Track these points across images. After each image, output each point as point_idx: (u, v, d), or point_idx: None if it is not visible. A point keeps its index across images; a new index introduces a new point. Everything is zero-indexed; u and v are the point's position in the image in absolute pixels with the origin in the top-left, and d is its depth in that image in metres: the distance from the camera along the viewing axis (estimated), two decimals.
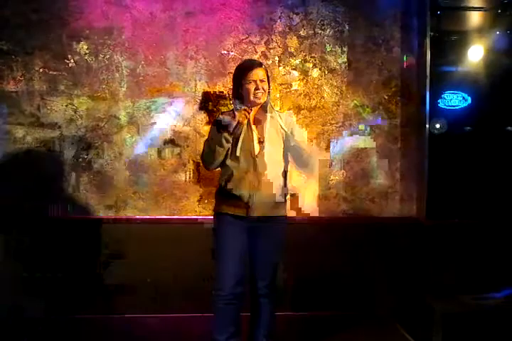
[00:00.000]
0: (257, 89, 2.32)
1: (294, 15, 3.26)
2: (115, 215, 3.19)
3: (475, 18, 3.27)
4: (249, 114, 2.31)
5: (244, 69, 2.36)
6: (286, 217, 2.46)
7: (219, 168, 2.42)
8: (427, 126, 3.19)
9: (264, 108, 2.41)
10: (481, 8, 3.25)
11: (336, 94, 3.30)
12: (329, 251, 3.21)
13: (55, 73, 3.15)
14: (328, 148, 3.30)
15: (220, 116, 2.43)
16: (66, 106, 3.17)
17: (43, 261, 3.11)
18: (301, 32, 3.27)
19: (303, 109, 3.28)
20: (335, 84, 3.30)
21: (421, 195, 3.28)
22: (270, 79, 2.45)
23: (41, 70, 3.15)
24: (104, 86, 3.17)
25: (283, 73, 3.27)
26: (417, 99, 3.30)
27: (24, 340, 2.79)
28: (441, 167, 3.21)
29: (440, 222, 3.22)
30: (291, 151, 2.38)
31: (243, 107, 2.30)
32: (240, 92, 2.38)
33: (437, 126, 3.21)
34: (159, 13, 3.18)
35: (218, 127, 2.32)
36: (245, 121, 2.31)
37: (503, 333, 2.72)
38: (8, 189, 3.14)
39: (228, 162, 2.34)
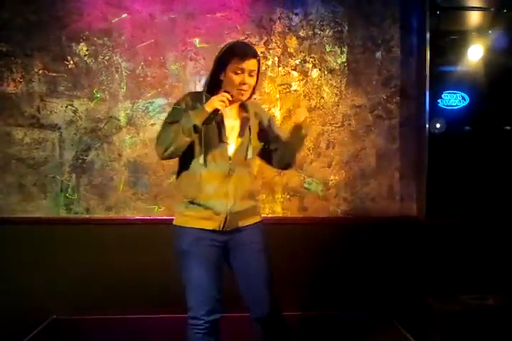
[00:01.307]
0: (242, 83, 1.93)
1: (294, 16, 3.26)
2: (115, 216, 3.19)
3: (474, 18, 3.26)
4: (229, 101, 1.91)
5: (236, 54, 1.94)
6: (261, 221, 2.16)
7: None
8: (427, 125, 3.20)
9: (243, 104, 2.06)
10: (481, 7, 3.25)
11: (336, 94, 3.30)
12: (329, 251, 3.22)
13: (54, 74, 3.16)
14: (327, 147, 3.31)
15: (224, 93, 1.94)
16: (66, 107, 3.17)
17: (43, 263, 3.12)
18: (300, 32, 3.27)
19: None
20: (334, 84, 3.30)
21: (420, 194, 3.28)
22: (260, 74, 2.07)
23: (41, 72, 3.15)
24: (103, 87, 3.18)
25: (282, 74, 3.28)
26: (417, 99, 3.31)
27: None
28: (440, 166, 3.21)
29: (440, 222, 3.23)
30: (272, 150, 2.09)
31: (227, 92, 1.92)
32: (219, 79, 1.99)
33: (437, 125, 3.21)
34: (159, 14, 3.18)
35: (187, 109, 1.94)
36: (222, 107, 1.90)
37: (502, 333, 2.73)
38: (7, 190, 3.15)
39: (195, 164, 1.98)
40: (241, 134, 2.03)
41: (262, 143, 2.11)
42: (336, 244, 3.23)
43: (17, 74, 3.14)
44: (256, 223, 2.11)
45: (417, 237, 3.26)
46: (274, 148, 2.11)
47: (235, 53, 1.95)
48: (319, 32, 3.28)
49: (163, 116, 3.16)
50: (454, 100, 3.23)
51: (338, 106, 3.30)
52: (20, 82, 3.14)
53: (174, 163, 3.19)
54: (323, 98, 3.30)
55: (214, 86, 2.02)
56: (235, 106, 2.05)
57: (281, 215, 3.29)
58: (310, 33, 3.28)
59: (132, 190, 3.20)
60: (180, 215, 2.07)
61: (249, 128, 2.05)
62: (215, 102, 1.89)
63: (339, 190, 3.32)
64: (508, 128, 3.27)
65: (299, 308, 3.18)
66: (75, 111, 3.18)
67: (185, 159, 2.01)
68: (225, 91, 1.94)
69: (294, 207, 3.30)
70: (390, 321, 3.13)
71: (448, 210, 3.23)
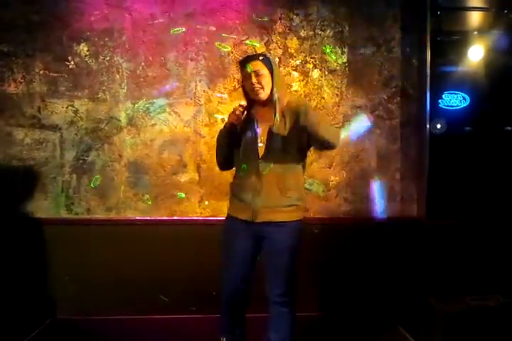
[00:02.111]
0: (252, 84, 2.14)
1: (294, 16, 3.26)
2: (116, 216, 3.19)
3: (475, 18, 3.26)
4: (242, 112, 2.15)
5: (240, 65, 2.22)
6: (299, 222, 2.22)
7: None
8: (428, 126, 3.19)
9: (271, 105, 2.17)
10: (481, 8, 3.25)
11: (336, 94, 3.30)
12: (329, 251, 3.22)
13: (55, 75, 3.16)
14: None
15: (235, 107, 2.20)
16: (66, 107, 3.18)
17: (42, 263, 3.12)
18: (301, 33, 3.27)
19: None
20: (335, 84, 3.30)
21: (421, 195, 3.28)
22: (276, 71, 2.20)
23: (42, 72, 3.15)
24: (104, 87, 3.18)
25: (283, 74, 3.26)
26: (417, 100, 3.31)
27: None
28: (441, 167, 3.21)
29: (440, 223, 3.23)
30: (309, 139, 2.15)
31: (239, 104, 2.16)
32: (243, 89, 2.26)
33: (438, 126, 3.21)
34: (159, 14, 3.18)
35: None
36: (238, 119, 2.16)
37: (504, 333, 2.72)
38: (8, 191, 3.15)
39: (236, 163, 2.26)
40: (269, 136, 2.17)
41: (297, 140, 2.16)
42: (336, 245, 3.23)
43: (18, 74, 3.15)
44: (290, 221, 2.19)
45: (417, 238, 3.26)
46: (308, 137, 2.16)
47: (240, 65, 2.23)
48: (320, 32, 3.28)
49: (164, 116, 3.19)
50: (454, 100, 3.23)
51: (338, 106, 3.30)
52: (21, 82, 3.15)
53: (175, 164, 3.22)
54: (323, 98, 3.30)
55: (245, 96, 2.27)
56: (268, 109, 2.18)
57: None
58: (311, 33, 3.28)
59: (133, 190, 3.20)
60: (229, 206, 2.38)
61: (271, 131, 2.16)
62: (229, 117, 2.19)
63: (340, 191, 3.31)
64: (509, 128, 3.27)
65: (300, 309, 3.16)
66: (75, 112, 3.18)
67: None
68: (247, 99, 2.23)
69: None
70: (391, 322, 3.13)
71: (448, 211, 3.22)
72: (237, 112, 2.14)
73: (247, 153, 2.19)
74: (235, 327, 2.32)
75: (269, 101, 2.17)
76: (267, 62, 2.17)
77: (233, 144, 2.22)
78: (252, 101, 2.22)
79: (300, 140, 2.16)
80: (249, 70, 2.14)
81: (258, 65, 2.14)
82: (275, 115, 2.13)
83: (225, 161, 2.30)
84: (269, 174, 2.15)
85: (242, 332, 2.35)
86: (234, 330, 2.32)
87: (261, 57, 2.17)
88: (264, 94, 2.16)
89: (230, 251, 2.23)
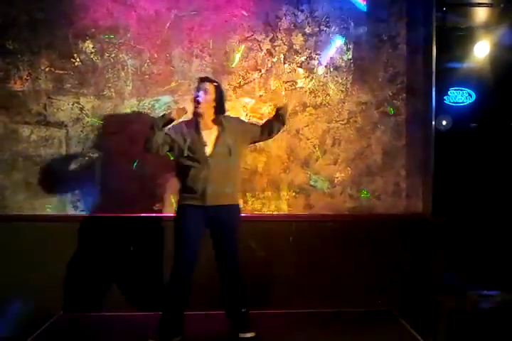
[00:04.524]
0: (197, 96, 2.66)
1: (299, 13, 3.26)
2: (122, 213, 3.20)
3: (481, 14, 3.25)
4: (182, 112, 2.62)
5: (199, 79, 2.74)
6: (238, 206, 2.79)
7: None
8: (433, 122, 3.19)
9: (214, 120, 2.70)
10: (487, 4, 3.23)
11: (342, 91, 3.30)
12: (334, 248, 3.23)
13: (61, 72, 3.17)
14: (333, 145, 3.31)
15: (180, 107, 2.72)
16: (72, 104, 3.19)
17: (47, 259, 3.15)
18: (306, 29, 3.26)
19: (308, 107, 3.28)
20: (340, 81, 3.30)
21: (427, 191, 3.28)
22: (222, 96, 2.71)
23: (47, 69, 3.16)
24: (109, 85, 3.19)
25: (288, 71, 3.27)
26: (423, 96, 3.30)
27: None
28: (447, 164, 3.21)
29: (446, 219, 3.23)
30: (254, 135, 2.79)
31: (183, 107, 2.66)
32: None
33: (443, 122, 3.20)
34: (164, 11, 3.18)
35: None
36: (178, 117, 2.61)
37: (510, 330, 2.72)
38: (13, 187, 3.17)
39: (185, 161, 2.63)
40: (216, 139, 2.67)
41: (233, 143, 2.68)
42: (341, 241, 3.24)
43: (24, 72, 3.16)
44: (232, 204, 2.72)
45: (422, 234, 3.26)
46: (260, 131, 2.79)
47: (199, 79, 2.75)
48: (325, 29, 3.28)
49: None
50: (460, 97, 3.23)
51: (343, 103, 3.30)
52: (27, 79, 3.16)
53: None
54: (328, 95, 3.29)
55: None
56: (208, 121, 2.70)
57: (286, 212, 3.29)
58: (316, 29, 3.27)
59: (140, 187, 3.20)
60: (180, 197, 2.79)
61: (218, 136, 2.68)
62: (173, 112, 2.63)
63: (345, 187, 3.32)
64: None
65: (304, 306, 3.18)
66: (81, 109, 3.19)
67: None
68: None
69: (300, 205, 3.30)
70: (396, 317, 3.13)
71: (454, 207, 3.23)
72: (181, 112, 2.61)
73: (197, 153, 2.63)
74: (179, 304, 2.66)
75: (209, 116, 2.68)
76: (218, 89, 2.70)
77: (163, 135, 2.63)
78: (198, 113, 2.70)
79: (238, 143, 2.70)
80: (201, 86, 2.67)
81: (211, 87, 2.67)
82: (223, 128, 2.68)
83: (154, 146, 2.61)
84: (214, 167, 2.62)
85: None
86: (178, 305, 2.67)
87: (215, 84, 2.70)
88: (201, 109, 2.65)
89: (186, 232, 2.64)
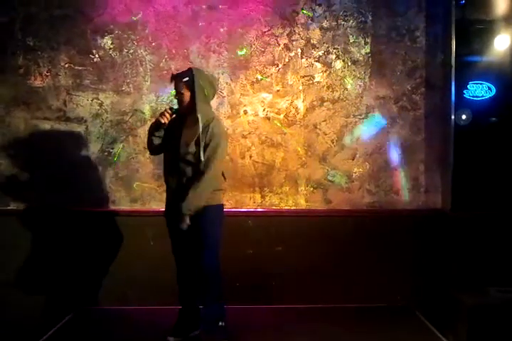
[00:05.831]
0: (175, 97, 2.61)
1: (317, 7, 3.24)
2: (141, 208, 3.23)
3: (501, 7, 3.20)
4: (171, 114, 2.56)
5: (171, 78, 2.60)
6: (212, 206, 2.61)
7: None
8: (452, 117, 3.16)
9: (193, 116, 2.53)
10: None
11: (360, 85, 3.28)
12: (353, 243, 3.22)
13: (80, 68, 3.20)
14: (351, 140, 3.29)
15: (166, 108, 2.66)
16: (91, 100, 3.21)
17: (67, 252, 3.19)
18: (323, 23, 3.25)
19: (326, 101, 3.27)
20: (358, 75, 3.28)
21: (446, 186, 3.25)
22: (199, 90, 2.50)
23: (67, 65, 3.19)
24: (128, 80, 3.21)
25: (305, 65, 3.26)
26: (442, 90, 3.27)
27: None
28: (466, 158, 3.18)
29: (465, 214, 3.20)
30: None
31: (170, 107, 2.60)
32: None
33: (463, 117, 3.17)
34: (182, 6, 3.19)
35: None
36: (165, 119, 2.55)
37: None
38: (34, 182, 3.22)
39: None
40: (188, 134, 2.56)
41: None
42: (360, 237, 3.23)
43: (43, 68, 3.19)
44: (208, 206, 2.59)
45: (442, 229, 3.24)
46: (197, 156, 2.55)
47: (170, 78, 2.61)
48: (343, 23, 3.26)
49: None
50: (480, 91, 3.19)
51: (361, 97, 3.28)
52: (47, 75, 3.19)
53: None
54: (346, 89, 3.28)
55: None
56: (190, 117, 2.55)
57: (304, 208, 3.29)
58: (333, 23, 3.25)
59: (157, 182, 3.23)
60: None
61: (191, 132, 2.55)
62: (158, 116, 2.59)
63: (363, 182, 3.30)
64: None
65: (322, 300, 3.18)
66: (100, 105, 3.22)
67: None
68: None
69: (318, 200, 3.30)
70: (414, 313, 3.12)
71: (473, 202, 3.20)
72: (166, 113, 2.55)
73: (170, 149, 2.61)
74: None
75: (191, 112, 2.53)
76: (190, 84, 2.51)
77: (160, 137, 2.64)
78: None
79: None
80: (171, 92, 2.70)
81: (180, 86, 2.54)
82: (199, 126, 2.52)
83: (155, 149, 2.70)
84: (184, 168, 2.57)
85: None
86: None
87: (185, 79, 2.52)
88: (182, 108, 2.57)
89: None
